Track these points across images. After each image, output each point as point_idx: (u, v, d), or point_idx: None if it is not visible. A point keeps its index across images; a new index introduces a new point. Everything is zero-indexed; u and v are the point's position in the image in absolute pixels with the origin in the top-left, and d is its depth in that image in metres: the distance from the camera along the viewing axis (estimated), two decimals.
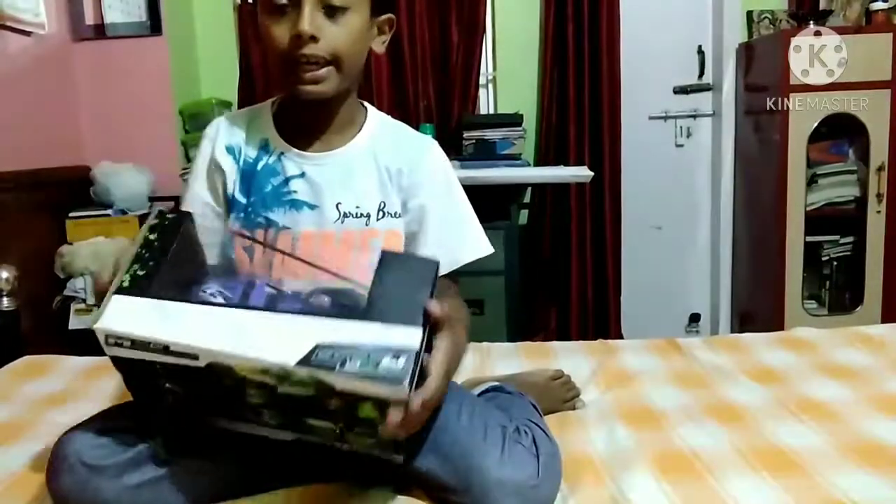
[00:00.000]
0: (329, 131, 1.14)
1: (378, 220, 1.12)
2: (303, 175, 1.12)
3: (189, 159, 2.94)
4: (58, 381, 1.58)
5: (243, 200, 1.13)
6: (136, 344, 0.82)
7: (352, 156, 1.14)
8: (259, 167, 1.14)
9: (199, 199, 1.15)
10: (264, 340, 0.79)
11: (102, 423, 1.00)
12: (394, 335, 0.78)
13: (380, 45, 1.14)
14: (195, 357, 0.79)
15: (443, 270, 0.96)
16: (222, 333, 0.79)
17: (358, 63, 1.10)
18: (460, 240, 1.16)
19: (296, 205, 1.12)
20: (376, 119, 1.19)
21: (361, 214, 1.12)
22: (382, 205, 1.13)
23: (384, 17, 1.12)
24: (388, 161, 1.14)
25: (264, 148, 1.14)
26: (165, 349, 0.80)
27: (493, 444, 0.95)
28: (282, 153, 1.13)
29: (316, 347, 0.77)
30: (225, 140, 1.16)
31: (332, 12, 1.02)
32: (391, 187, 1.14)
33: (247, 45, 3.02)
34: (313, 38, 1.01)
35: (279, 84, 1.12)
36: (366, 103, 1.20)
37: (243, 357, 0.78)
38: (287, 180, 1.12)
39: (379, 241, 1.11)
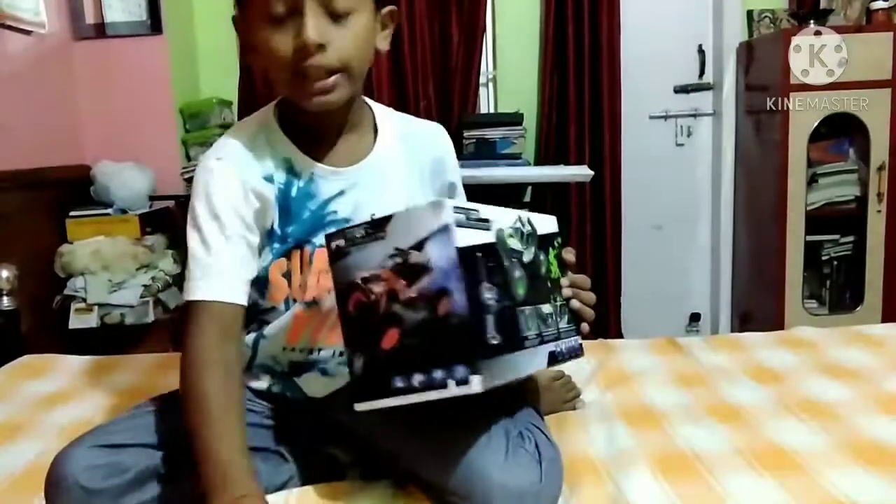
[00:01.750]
0: (349, 133, 1.09)
1: None
2: (341, 193, 1.07)
3: (189, 158, 2.94)
4: (58, 381, 1.58)
5: (280, 232, 1.05)
6: (468, 216, 0.82)
7: (382, 162, 1.10)
8: (293, 193, 1.05)
9: (232, 235, 1.00)
10: (496, 210, 0.89)
11: (100, 440, 0.94)
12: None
13: (383, 42, 1.07)
14: (488, 227, 0.85)
15: None
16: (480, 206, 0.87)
17: (366, 65, 1.04)
18: None
19: (336, 224, 1.05)
20: (384, 115, 1.15)
21: None
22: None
23: (386, 10, 1.06)
24: (420, 156, 1.14)
25: (290, 170, 1.05)
26: (478, 219, 0.83)
27: (497, 449, 0.93)
28: (313, 173, 1.06)
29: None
30: (258, 168, 1.04)
31: (336, 16, 0.95)
32: (424, 182, 1.15)
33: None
34: (320, 48, 0.93)
35: (283, 95, 1.06)
36: (363, 97, 1.15)
37: (506, 211, 0.90)
38: (327, 202, 1.07)
39: None
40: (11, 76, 2.41)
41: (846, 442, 1.17)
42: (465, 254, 0.77)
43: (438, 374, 0.77)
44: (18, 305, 1.99)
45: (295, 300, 1.07)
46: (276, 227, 1.04)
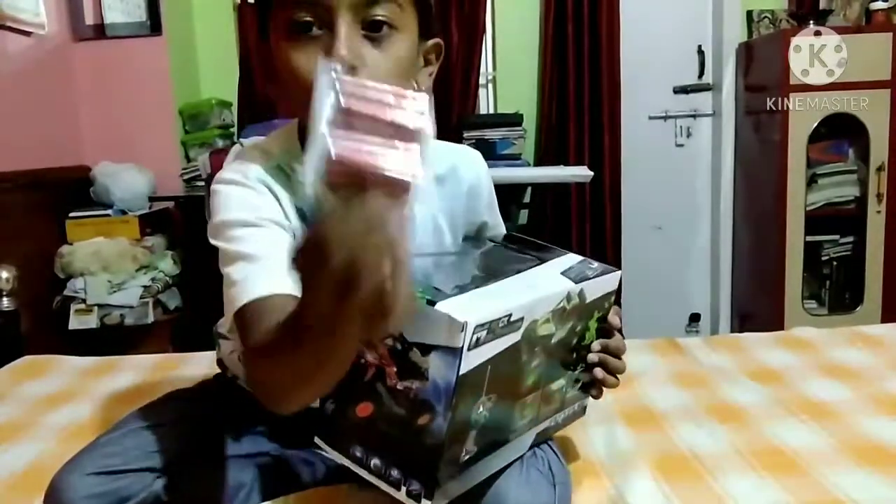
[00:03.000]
0: None
1: (434, 245, 1.02)
2: None
3: (189, 159, 2.94)
4: (58, 382, 1.58)
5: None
6: (493, 328, 0.71)
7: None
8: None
9: (278, 241, 0.86)
10: (543, 286, 0.82)
11: (98, 466, 0.87)
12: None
13: (426, 78, 0.92)
14: (519, 327, 0.75)
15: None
16: (521, 292, 0.78)
17: None
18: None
19: None
20: None
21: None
22: (437, 246, 1.01)
23: (432, 42, 0.91)
24: (447, 200, 1.02)
25: (305, 218, 0.92)
26: (508, 322, 0.73)
27: (514, 467, 0.87)
28: None
29: (563, 273, 0.86)
30: (290, 198, 0.91)
31: (374, 32, 0.81)
32: (455, 222, 1.04)
33: (247, 45, 3.03)
34: (352, 69, 0.78)
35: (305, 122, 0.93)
36: None
37: (552, 293, 0.80)
38: None
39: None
40: (11, 77, 2.41)
41: (846, 442, 1.17)
42: (470, 376, 0.69)
43: (395, 473, 0.73)
44: (18, 306, 2.00)
45: None
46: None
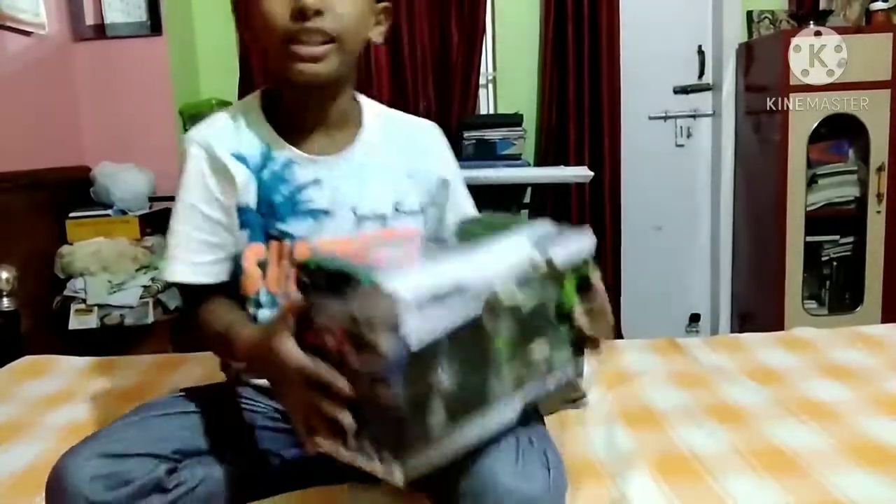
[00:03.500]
0: (330, 126, 1.07)
1: (394, 219, 1.09)
2: (317, 182, 1.05)
3: None
4: (58, 382, 1.58)
5: (255, 211, 1.05)
6: (442, 300, 0.73)
7: (363, 155, 1.08)
8: (265, 176, 1.05)
9: (197, 213, 1.05)
10: (503, 256, 0.84)
11: (103, 449, 0.89)
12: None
13: (378, 36, 1.08)
14: (477, 297, 0.77)
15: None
16: (476, 268, 0.79)
17: (358, 46, 1.03)
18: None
19: (312, 214, 1.05)
20: (373, 111, 1.14)
21: (377, 216, 1.08)
22: (398, 204, 1.09)
23: (382, 4, 1.07)
24: (403, 157, 1.11)
25: (266, 153, 1.05)
26: (460, 294, 0.75)
27: (508, 452, 0.88)
28: (289, 159, 1.05)
29: (530, 241, 0.87)
30: (228, 145, 1.05)
31: None
32: (408, 184, 1.11)
33: (247, 46, 3.03)
34: (317, 13, 0.94)
35: (272, 67, 1.04)
36: (356, 93, 1.14)
37: (513, 262, 0.82)
38: (300, 188, 1.05)
39: (398, 242, 1.09)
40: (11, 77, 2.41)
41: (846, 442, 1.17)
42: (424, 349, 0.71)
43: (367, 446, 0.75)
44: (18, 306, 2.00)
45: (269, 293, 1.05)
46: (250, 205, 1.04)
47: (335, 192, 1.05)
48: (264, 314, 1.04)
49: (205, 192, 1.04)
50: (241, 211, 1.04)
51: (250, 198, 1.04)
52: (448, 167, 1.18)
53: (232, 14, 1.02)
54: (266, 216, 1.04)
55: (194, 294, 1.05)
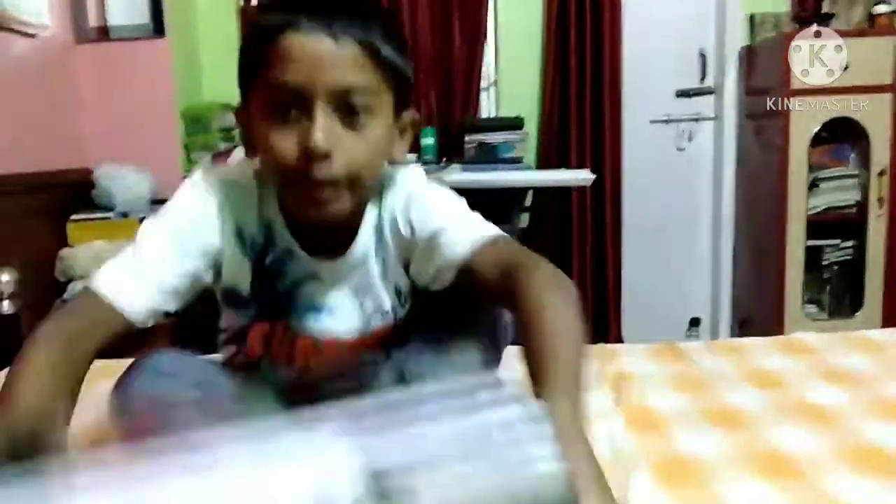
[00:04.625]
0: (340, 232, 0.96)
1: (403, 307, 1.03)
2: (317, 278, 0.97)
3: (191, 162, 2.94)
4: None
5: (251, 297, 0.98)
6: None
7: (361, 252, 0.97)
8: (268, 262, 0.96)
9: (171, 289, 0.89)
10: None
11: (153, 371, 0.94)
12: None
13: (400, 152, 0.93)
14: None
15: (471, 246, 0.88)
16: None
17: (376, 176, 0.91)
18: (476, 221, 0.95)
19: (315, 310, 0.98)
20: (374, 199, 0.98)
21: (385, 311, 1.01)
22: (399, 293, 1.01)
23: (407, 117, 0.93)
24: (388, 242, 0.98)
25: (269, 236, 0.95)
26: None
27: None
28: (289, 249, 0.95)
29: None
30: (232, 217, 0.93)
31: (350, 117, 0.82)
32: (399, 268, 0.99)
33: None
34: (326, 156, 0.81)
35: (279, 195, 0.93)
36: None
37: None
38: (297, 283, 0.97)
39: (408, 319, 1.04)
40: (14, 79, 2.42)
41: (846, 447, 1.17)
42: None
43: None
44: (19, 309, 2.00)
45: (274, 360, 1.02)
46: (240, 290, 0.97)
47: (337, 292, 0.98)
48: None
49: (199, 241, 0.91)
50: (230, 292, 0.97)
51: (240, 281, 0.96)
52: (433, 218, 0.94)
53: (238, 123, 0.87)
54: (263, 303, 0.98)
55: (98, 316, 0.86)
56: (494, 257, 0.87)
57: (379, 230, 0.97)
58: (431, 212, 0.94)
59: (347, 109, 0.81)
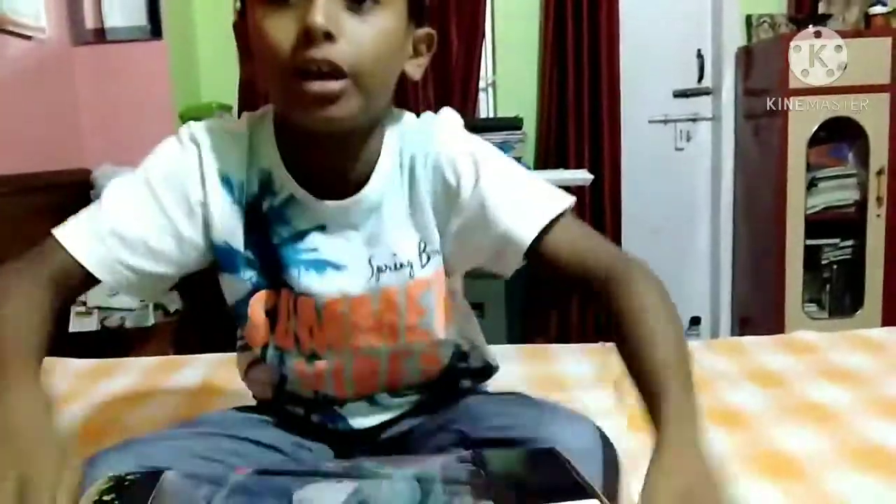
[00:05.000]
0: (346, 169, 0.85)
1: (423, 266, 0.87)
2: (323, 228, 0.85)
3: None
4: (58, 384, 1.58)
5: (247, 254, 0.86)
6: None
7: (377, 193, 0.85)
8: (264, 209, 0.85)
9: (165, 214, 0.83)
10: None
11: (139, 459, 0.77)
12: None
13: (415, 69, 0.84)
14: None
15: (537, 226, 0.83)
16: None
17: (387, 82, 0.80)
18: (538, 189, 0.89)
19: (316, 265, 0.85)
20: (395, 131, 0.88)
21: (400, 265, 0.86)
22: (423, 245, 0.87)
23: (423, 30, 0.83)
24: (418, 182, 0.86)
25: (267, 183, 0.85)
26: None
27: (554, 411, 0.85)
28: (291, 195, 0.85)
29: None
30: (216, 164, 0.84)
31: (357, 2, 0.73)
32: (429, 214, 0.87)
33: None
34: (328, 37, 0.70)
35: (277, 110, 0.85)
36: (391, 112, 0.89)
37: None
38: (302, 234, 0.85)
39: (430, 294, 0.88)
40: (11, 81, 2.41)
41: (846, 446, 1.17)
42: None
43: None
44: None
45: (278, 347, 0.91)
46: (233, 244, 0.86)
47: (345, 241, 0.86)
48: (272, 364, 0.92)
49: (181, 196, 0.84)
50: (225, 252, 0.86)
51: (233, 235, 0.85)
52: (484, 176, 0.85)
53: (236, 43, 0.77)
54: (263, 261, 0.86)
55: (58, 266, 0.80)
56: (571, 246, 0.84)
57: (403, 168, 0.86)
58: (485, 168, 0.84)
59: None
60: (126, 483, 0.62)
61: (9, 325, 0.72)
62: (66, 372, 1.66)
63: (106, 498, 0.61)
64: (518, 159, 2.85)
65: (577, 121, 3.12)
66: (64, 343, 2.33)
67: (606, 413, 1.33)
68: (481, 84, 3.21)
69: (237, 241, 0.86)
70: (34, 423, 0.62)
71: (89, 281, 0.81)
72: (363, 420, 0.96)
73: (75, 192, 2.60)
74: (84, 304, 2.41)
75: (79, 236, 0.81)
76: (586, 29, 3.07)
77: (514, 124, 2.89)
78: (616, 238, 3.20)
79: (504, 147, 2.82)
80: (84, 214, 0.83)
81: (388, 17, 0.75)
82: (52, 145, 2.63)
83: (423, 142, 0.87)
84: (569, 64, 3.09)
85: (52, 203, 2.49)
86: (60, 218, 2.40)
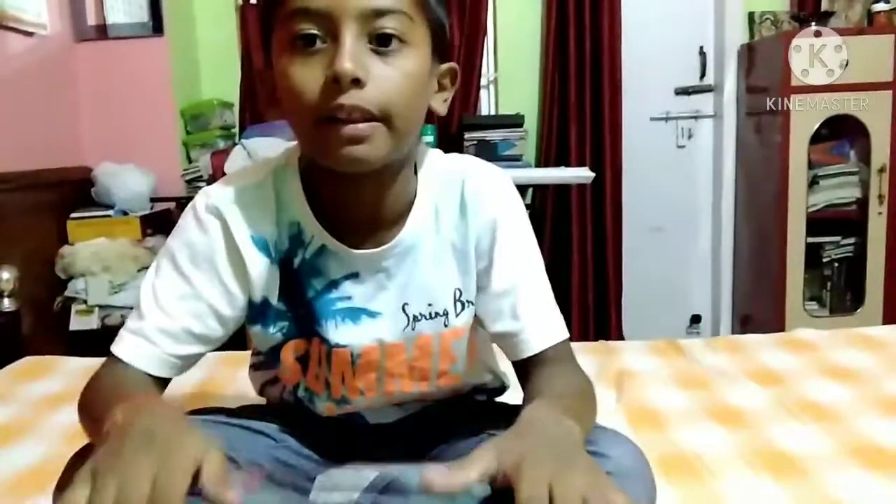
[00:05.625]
0: (381, 215, 0.84)
1: (457, 315, 0.88)
2: (356, 276, 0.85)
3: (190, 160, 2.94)
4: (59, 383, 1.58)
5: (279, 306, 0.86)
6: None
7: (412, 240, 0.85)
8: (296, 264, 0.85)
9: (201, 299, 0.82)
10: None
11: None
12: None
13: (441, 104, 0.86)
14: None
15: (545, 344, 0.85)
16: None
17: (415, 121, 0.80)
18: (551, 314, 0.89)
19: (352, 315, 0.86)
20: (432, 174, 0.88)
21: (436, 314, 0.87)
22: (458, 293, 0.87)
23: (447, 66, 0.85)
24: (458, 230, 0.86)
25: (297, 237, 0.85)
26: None
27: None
28: (323, 245, 0.84)
29: None
30: (247, 229, 0.83)
31: (382, 46, 0.73)
32: (470, 263, 0.87)
33: (248, 46, 3.03)
34: (356, 83, 0.71)
35: (306, 153, 0.84)
36: (419, 154, 0.88)
37: None
38: (335, 283, 0.85)
39: (462, 342, 0.89)
40: (13, 77, 2.41)
41: (847, 444, 1.17)
42: None
43: None
44: (19, 307, 2.00)
45: (308, 389, 0.92)
46: (271, 299, 0.86)
47: (378, 288, 0.86)
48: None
49: (213, 275, 0.83)
50: (259, 306, 0.86)
51: (270, 291, 0.85)
52: (502, 249, 0.86)
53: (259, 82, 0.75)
54: (296, 312, 0.86)
55: (122, 374, 0.80)
56: (550, 368, 0.84)
57: (439, 213, 0.86)
58: (516, 260, 0.87)
59: (379, 37, 0.73)
60: None
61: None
62: (66, 370, 1.66)
63: None
64: (519, 157, 2.86)
65: (579, 118, 3.12)
66: (65, 341, 2.34)
67: (606, 412, 1.34)
68: (483, 81, 3.20)
69: (273, 296, 0.86)
70: (170, 422, 0.61)
71: (165, 381, 0.82)
72: (382, 417, 0.97)
73: (76, 189, 2.61)
74: (85, 302, 2.41)
75: (140, 352, 0.80)
76: (588, 26, 3.06)
77: (516, 121, 2.89)
78: (617, 235, 3.20)
79: (505, 144, 2.83)
80: (130, 324, 0.82)
81: (414, 57, 0.76)
82: (53, 142, 2.63)
83: (470, 185, 0.87)
84: (570, 61, 3.09)
85: (53, 200, 2.50)
86: (61, 214, 2.40)
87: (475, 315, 0.89)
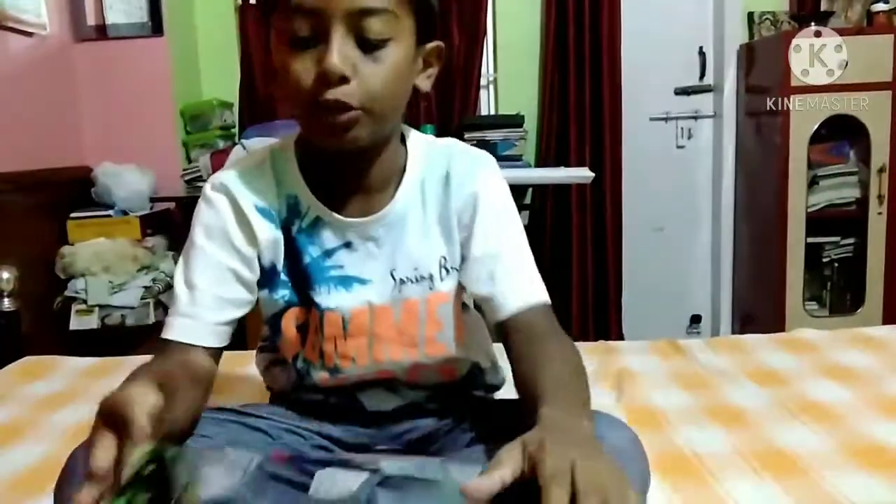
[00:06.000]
0: (368, 184, 0.92)
1: (442, 279, 0.93)
2: (348, 245, 0.92)
3: (190, 160, 2.94)
4: (59, 382, 1.58)
5: (283, 276, 0.93)
6: None
7: (401, 210, 0.92)
8: (294, 232, 0.93)
9: (222, 266, 0.90)
10: None
11: None
12: None
13: (425, 81, 0.91)
14: None
15: (521, 305, 0.89)
16: None
17: (398, 106, 0.88)
18: (529, 279, 0.93)
19: (344, 282, 0.92)
20: (418, 150, 0.95)
21: (422, 277, 0.93)
22: (444, 260, 0.94)
23: (431, 45, 0.89)
24: (442, 203, 0.93)
25: (294, 208, 0.93)
26: None
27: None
28: (318, 217, 0.92)
29: None
30: (253, 198, 0.91)
31: (368, 42, 0.80)
32: (453, 233, 0.94)
33: (248, 46, 3.03)
34: (343, 80, 0.79)
35: (301, 130, 0.92)
36: (406, 131, 0.96)
37: None
38: (329, 252, 0.92)
39: (448, 307, 0.95)
40: (13, 77, 2.42)
41: (847, 444, 1.17)
42: None
43: None
44: (19, 307, 2.00)
45: (306, 360, 0.96)
46: (277, 266, 0.93)
47: (368, 256, 0.92)
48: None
49: (226, 242, 0.90)
50: (267, 272, 0.93)
51: (278, 258, 0.93)
52: (480, 220, 0.93)
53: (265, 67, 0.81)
54: (294, 280, 0.93)
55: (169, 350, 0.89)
56: (528, 331, 0.88)
57: (426, 184, 0.94)
58: (496, 230, 0.93)
59: (365, 34, 0.79)
60: (167, 455, 0.66)
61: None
62: (67, 370, 1.66)
63: (148, 469, 0.64)
64: (519, 157, 2.86)
65: (579, 118, 3.12)
66: (65, 341, 2.34)
67: (606, 411, 1.33)
68: (482, 81, 3.21)
69: (279, 262, 0.93)
70: (135, 389, 0.66)
71: (216, 353, 0.90)
72: (380, 404, 1.00)
73: (76, 189, 2.61)
74: (85, 302, 2.41)
75: (175, 327, 0.88)
76: (588, 26, 3.06)
77: (516, 122, 2.90)
78: (617, 235, 3.20)
79: (505, 144, 2.83)
80: (170, 312, 0.90)
81: (398, 49, 0.82)
82: (53, 142, 2.63)
83: (443, 171, 0.94)
84: (570, 61, 3.09)
85: (53, 200, 2.50)
86: (61, 214, 2.40)
87: (459, 283, 0.94)
